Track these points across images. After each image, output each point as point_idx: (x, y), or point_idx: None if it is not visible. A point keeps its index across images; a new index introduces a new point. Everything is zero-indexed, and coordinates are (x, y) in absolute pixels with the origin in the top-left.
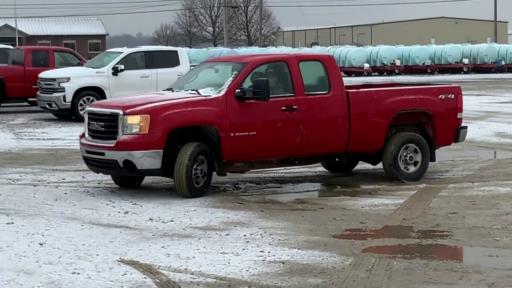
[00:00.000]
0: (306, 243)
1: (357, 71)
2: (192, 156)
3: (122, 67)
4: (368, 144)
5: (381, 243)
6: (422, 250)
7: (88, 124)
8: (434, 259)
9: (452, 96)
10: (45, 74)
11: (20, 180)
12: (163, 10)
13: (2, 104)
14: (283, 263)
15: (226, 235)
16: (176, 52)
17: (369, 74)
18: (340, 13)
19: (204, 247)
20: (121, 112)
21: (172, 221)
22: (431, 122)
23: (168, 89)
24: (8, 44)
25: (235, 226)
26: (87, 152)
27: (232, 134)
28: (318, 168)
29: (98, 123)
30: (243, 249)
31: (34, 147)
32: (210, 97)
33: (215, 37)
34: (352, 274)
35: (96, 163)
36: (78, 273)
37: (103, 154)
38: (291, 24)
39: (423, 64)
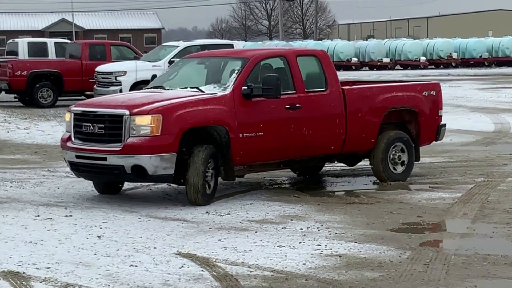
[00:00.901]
0: (363, 237)
1: (413, 64)
2: (206, 160)
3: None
4: (363, 144)
5: (438, 237)
6: (480, 244)
7: (77, 126)
8: (492, 254)
9: (434, 93)
10: (102, 68)
11: None
12: (219, 3)
13: (59, 98)
14: (340, 256)
15: (282, 228)
16: (232, 45)
17: (425, 67)
18: (396, 6)
19: (261, 240)
20: (126, 112)
21: (229, 214)
22: (416, 120)
23: (156, 87)
24: (65, 38)
25: (291, 220)
26: (78, 157)
27: (240, 135)
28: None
29: (94, 124)
30: (300, 243)
31: None
32: (217, 95)
33: (270, 31)
34: (410, 268)
35: (93, 170)
36: (136, 266)
37: (104, 159)
38: (346, 17)
39: (480, 57)
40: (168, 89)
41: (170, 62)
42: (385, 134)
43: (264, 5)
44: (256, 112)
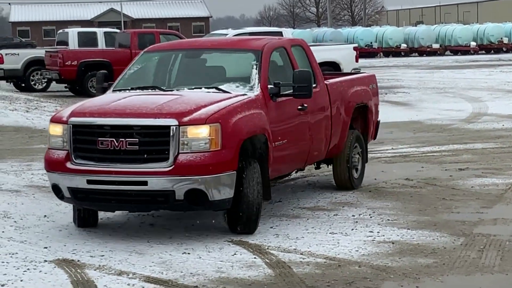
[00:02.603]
0: (416, 223)
1: (464, 50)
2: (258, 177)
3: None
4: (338, 147)
5: (492, 223)
6: None
7: (82, 141)
8: None
9: (374, 86)
10: None
11: None
12: None
13: None
14: (392, 243)
15: (334, 215)
16: (281, 33)
17: (475, 53)
18: None
19: (312, 228)
20: (174, 122)
21: (280, 201)
22: (365, 116)
23: (143, 88)
24: (114, 28)
25: (343, 207)
26: (92, 182)
27: (274, 144)
28: (425, 148)
29: (119, 139)
30: (352, 229)
31: None
32: (250, 97)
33: (318, 18)
34: (464, 255)
35: (120, 198)
36: (189, 253)
37: (143, 183)
38: (395, 3)
39: None
40: (173, 90)
41: None
42: (348, 134)
43: None
44: (280, 116)
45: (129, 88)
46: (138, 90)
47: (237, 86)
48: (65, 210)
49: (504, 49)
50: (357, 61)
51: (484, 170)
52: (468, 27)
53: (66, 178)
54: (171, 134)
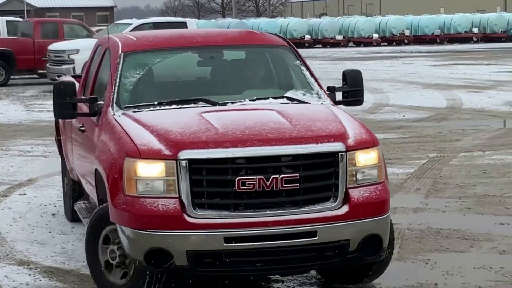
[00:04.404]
0: None
1: (366, 41)
2: None
3: None
4: None
5: (391, 212)
6: (433, 219)
7: (217, 183)
8: (445, 228)
9: None
10: (55, 46)
11: (31, 152)
12: None
13: (12, 77)
14: None
15: None
16: (185, 23)
17: (378, 45)
18: None
19: None
20: (342, 147)
21: None
22: None
23: (195, 100)
24: (16, 17)
25: None
26: (232, 240)
27: None
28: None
29: (271, 176)
30: None
31: (45, 119)
32: (330, 107)
33: (223, 8)
34: None
35: (275, 258)
36: None
37: (311, 234)
38: None
39: (432, 34)
40: (228, 103)
41: None
42: None
43: None
44: None
45: (155, 103)
46: (173, 105)
47: (304, 94)
48: None
49: (406, 41)
50: None
51: (385, 160)
52: (370, 19)
53: (185, 238)
54: (339, 163)
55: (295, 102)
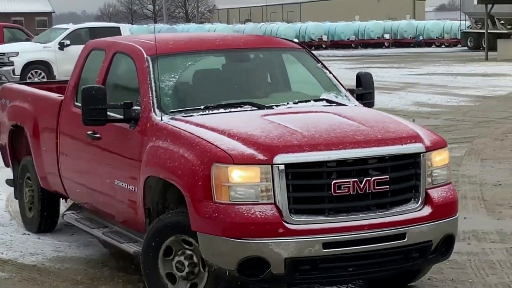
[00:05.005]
0: None
1: None
2: None
3: (68, 42)
4: None
5: None
6: None
7: (314, 187)
8: None
9: None
10: None
11: None
12: None
13: None
14: None
15: None
16: (118, 28)
17: None
18: None
19: None
20: (422, 148)
21: None
22: None
23: (241, 104)
24: None
25: None
26: (331, 246)
27: None
28: None
29: (364, 179)
30: None
31: None
32: (369, 108)
33: (155, 15)
34: None
35: (366, 262)
36: (29, 234)
37: (401, 237)
38: (226, 2)
39: (348, 39)
40: (275, 106)
41: (60, 43)
42: None
43: None
44: None
45: (201, 107)
46: (221, 109)
47: (336, 97)
48: None
49: (324, 46)
50: None
51: None
52: (291, 26)
53: (285, 245)
54: (420, 163)
55: (334, 104)
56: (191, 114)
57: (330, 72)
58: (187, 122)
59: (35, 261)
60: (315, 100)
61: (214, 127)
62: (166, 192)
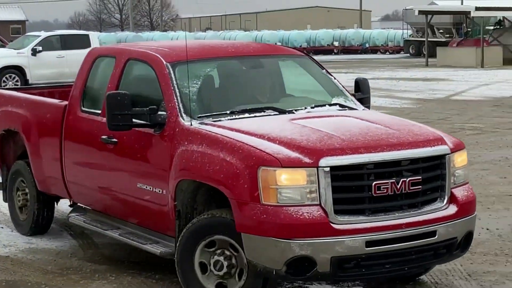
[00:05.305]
0: None
1: None
2: None
3: (40, 48)
4: None
5: None
6: None
7: (355, 189)
8: None
9: None
10: None
11: None
12: None
13: None
14: None
15: None
16: (87, 35)
17: None
18: (230, 2)
19: None
20: (448, 150)
21: None
22: None
23: (263, 109)
24: None
25: None
26: (377, 243)
27: None
28: None
29: (401, 179)
30: None
31: None
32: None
33: (122, 23)
34: None
35: (402, 259)
36: (2, 227)
37: (432, 234)
38: (188, 11)
39: (300, 46)
40: (294, 110)
41: (33, 49)
42: None
43: (116, 0)
44: None
45: (227, 111)
46: (246, 114)
47: (345, 101)
48: None
49: None
50: None
51: None
52: (248, 34)
53: (331, 244)
54: (446, 164)
55: (346, 108)
56: (219, 119)
57: (335, 78)
58: (219, 126)
59: (8, 252)
60: (330, 105)
61: (251, 131)
62: (195, 194)
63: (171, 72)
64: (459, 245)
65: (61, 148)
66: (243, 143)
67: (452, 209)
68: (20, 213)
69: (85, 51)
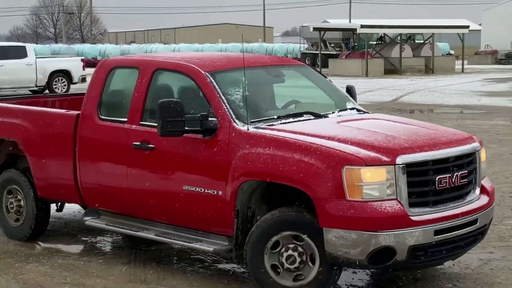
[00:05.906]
0: None
1: None
2: None
3: None
4: None
5: None
6: None
7: (423, 183)
8: None
9: None
10: None
11: None
12: (15, 14)
13: None
14: None
15: None
16: (24, 47)
17: None
18: (151, 19)
19: None
20: (478, 146)
21: None
22: None
23: (305, 113)
24: None
25: None
26: (442, 232)
27: None
28: None
29: (455, 174)
30: None
31: None
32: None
33: (56, 36)
34: None
35: (455, 245)
36: None
37: (475, 222)
38: (115, 26)
39: None
40: (329, 113)
41: None
42: None
43: (51, 16)
44: None
45: (275, 117)
46: (290, 118)
47: (354, 105)
48: None
49: None
50: (84, 69)
51: None
52: (167, 47)
53: (409, 235)
54: (477, 159)
55: (361, 112)
56: (271, 123)
57: (335, 85)
58: (279, 130)
59: None
60: (350, 109)
61: (316, 134)
62: (252, 194)
63: (212, 80)
64: (483, 231)
65: (74, 156)
66: (319, 145)
67: (485, 199)
68: (14, 220)
69: (22, 61)
